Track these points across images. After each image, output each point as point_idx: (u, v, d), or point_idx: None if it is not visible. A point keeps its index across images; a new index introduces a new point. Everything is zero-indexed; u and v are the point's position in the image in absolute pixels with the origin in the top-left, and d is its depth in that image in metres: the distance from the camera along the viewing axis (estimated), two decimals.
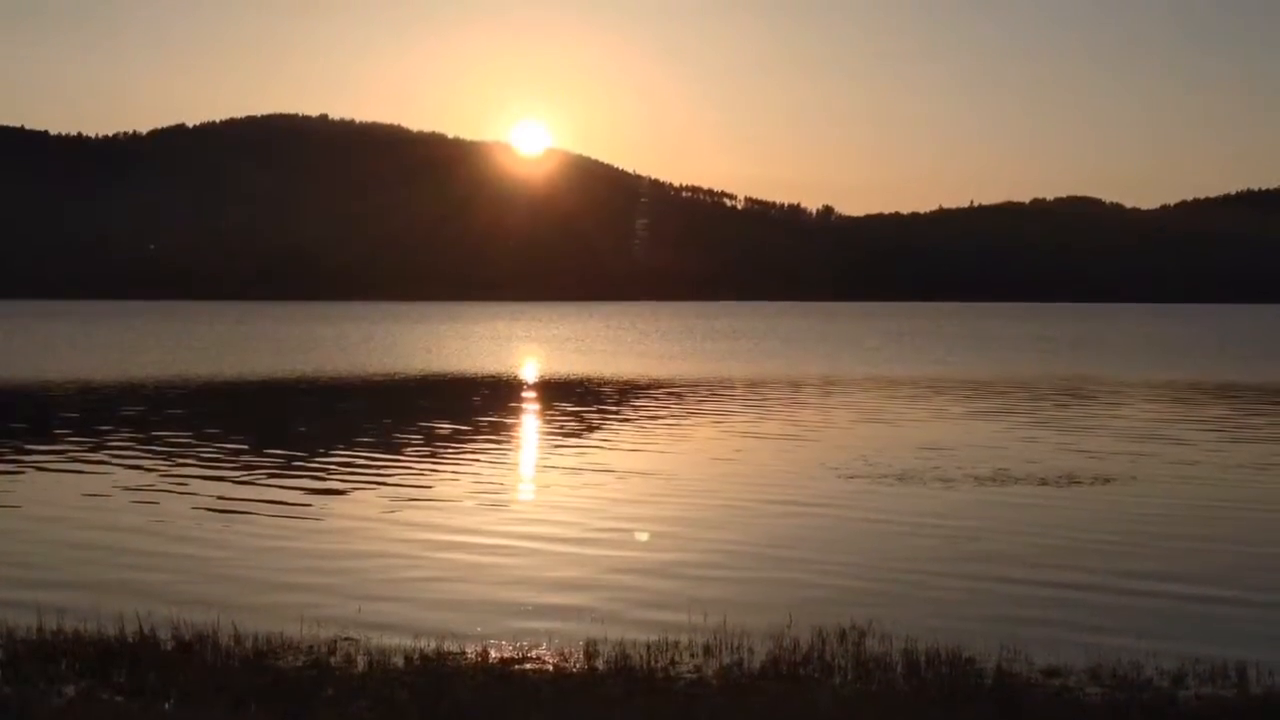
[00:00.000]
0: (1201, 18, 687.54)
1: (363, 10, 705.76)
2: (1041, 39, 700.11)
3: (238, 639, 14.25)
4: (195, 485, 27.16)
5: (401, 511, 24.02)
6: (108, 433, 37.25)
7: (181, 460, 31.26)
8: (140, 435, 36.59)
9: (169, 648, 13.98)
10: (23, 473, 29.37)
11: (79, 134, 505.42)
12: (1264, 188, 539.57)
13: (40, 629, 14.58)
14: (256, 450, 33.67)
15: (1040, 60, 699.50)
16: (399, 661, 13.58)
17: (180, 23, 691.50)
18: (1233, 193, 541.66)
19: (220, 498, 25.54)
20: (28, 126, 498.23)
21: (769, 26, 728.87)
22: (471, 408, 48.64)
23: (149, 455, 32.13)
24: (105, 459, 31.41)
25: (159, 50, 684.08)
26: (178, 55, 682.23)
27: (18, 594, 17.01)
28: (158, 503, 24.88)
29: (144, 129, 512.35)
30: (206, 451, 33.10)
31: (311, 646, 14.16)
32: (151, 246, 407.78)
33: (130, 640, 14.07)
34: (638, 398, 51.65)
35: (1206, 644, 14.64)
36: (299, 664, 13.56)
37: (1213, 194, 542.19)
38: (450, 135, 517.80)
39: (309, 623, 15.17)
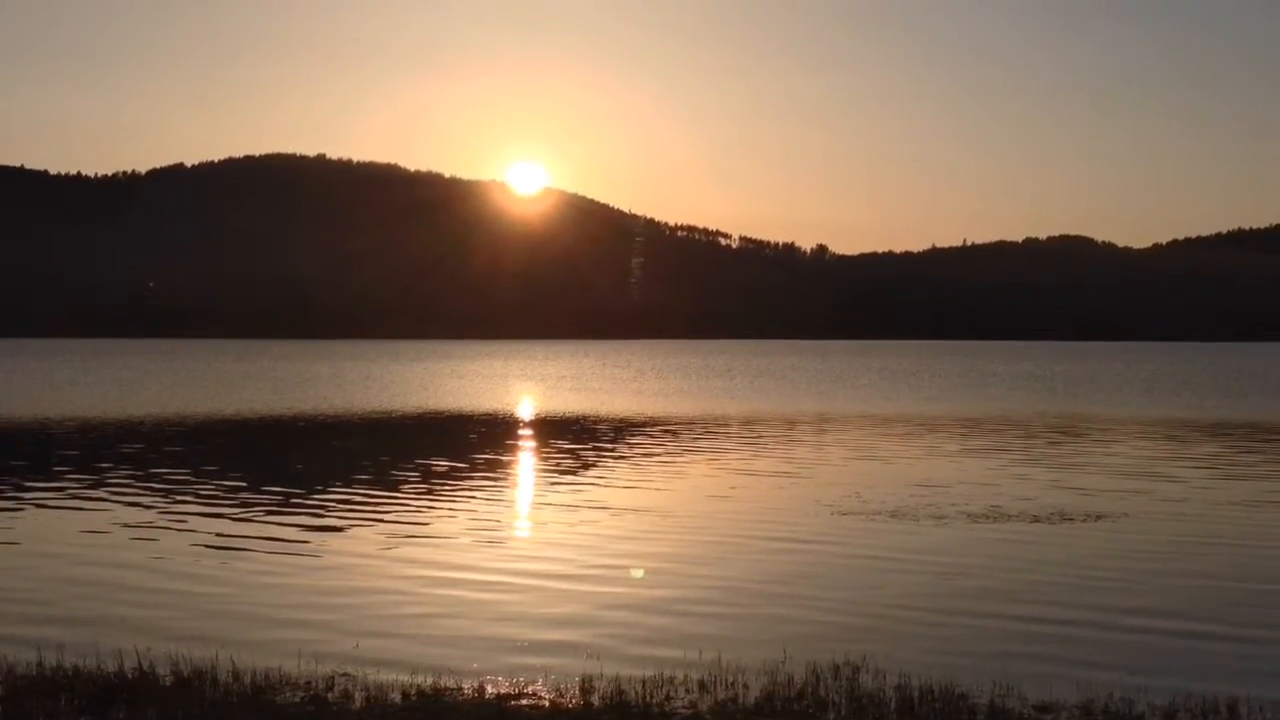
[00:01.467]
0: (1193, 58, 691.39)
1: (359, 51, 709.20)
2: (1034, 79, 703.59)
3: (236, 675, 14.27)
4: (194, 522, 27.17)
5: (398, 548, 24.00)
6: (107, 470, 37.23)
7: (180, 497, 31.28)
8: (139, 472, 36.58)
9: (168, 683, 13.98)
10: (23, 509, 29.38)
11: (78, 173, 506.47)
12: (1255, 227, 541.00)
13: (40, 665, 14.60)
14: (254, 487, 33.61)
15: (1033, 100, 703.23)
16: (396, 697, 13.59)
17: (179, 63, 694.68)
18: (1224, 231, 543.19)
19: (218, 534, 25.53)
20: (27, 166, 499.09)
21: (764, 67, 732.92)
22: (468, 445, 48.64)
23: (148, 492, 32.13)
24: (104, 496, 31.39)
25: (158, 90, 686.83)
26: (176, 95, 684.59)
27: (18, 630, 17.03)
28: (156, 539, 24.87)
29: (143, 168, 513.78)
30: (205, 489, 33.10)
31: (309, 682, 14.17)
32: (150, 285, 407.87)
33: (130, 676, 14.07)
34: (633, 435, 51.66)
35: (1198, 680, 14.67)
36: (297, 700, 13.56)
37: (1205, 233, 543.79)
38: (447, 174, 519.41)
39: (307, 659, 15.19)
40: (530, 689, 14.20)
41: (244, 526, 26.77)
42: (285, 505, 30.17)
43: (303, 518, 28.02)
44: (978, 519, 27.60)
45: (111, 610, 18.43)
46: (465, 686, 14.12)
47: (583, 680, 14.30)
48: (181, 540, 24.76)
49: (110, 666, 14.48)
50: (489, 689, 14.09)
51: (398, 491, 32.71)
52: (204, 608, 18.67)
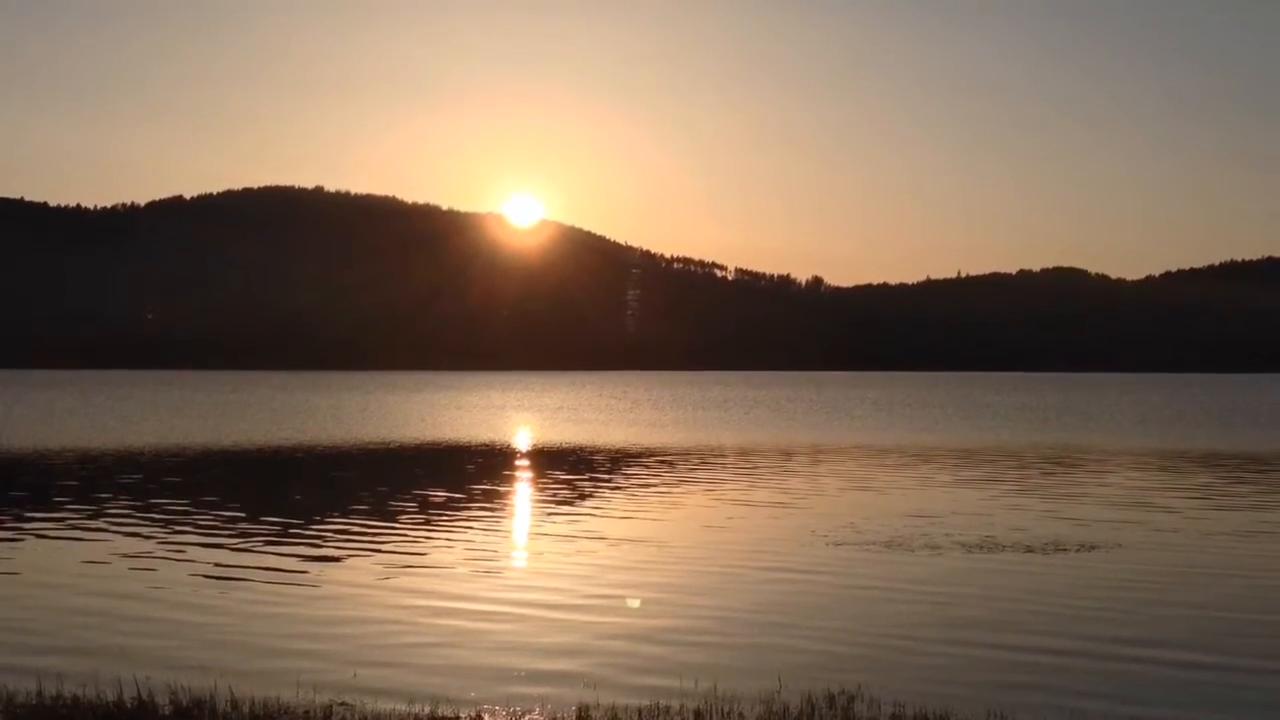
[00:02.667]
0: (1185, 90, 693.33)
1: (357, 84, 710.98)
2: (1026, 111, 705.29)
3: (235, 704, 14.28)
4: (192, 552, 27.20)
5: (396, 578, 24.04)
6: (106, 500, 37.22)
7: (178, 527, 31.29)
8: (138, 503, 36.58)
9: (167, 712, 13.99)
10: (23, 540, 29.34)
11: (78, 205, 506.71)
12: (1247, 259, 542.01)
13: (40, 694, 14.62)
14: (252, 518, 33.61)
15: (1026, 132, 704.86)
16: None
17: (177, 96, 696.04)
18: (1216, 264, 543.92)
19: (217, 564, 25.55)
20: (27, 198, 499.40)
21: (760, 100, 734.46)
22: (465, 476, 48.64)
23: (147, 522, 32.14)
24: (104, 526, 31.42)
25: (157, 123, 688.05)
26: (175, 128, 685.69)
27: (18, 660, 17.06)
28: (155, 569, 24.88)
29: (142, 200, 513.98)
30: (203, 519, 33.09)
31: (307, 712, 14.17)
32: (149, 316, 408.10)
33: (129, 705, 14.08)
34: (630, 465, 51.66)
35: (1190, 710, 14.72)
36: None
37: (1198, 265, 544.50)
38: (444, 207, 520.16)
39: (305, 688, 15.19)
40: (527, 718, 14.23)
41: (242, 556, 26.80)
42: (283, 535, 30.19)
43: (301, 547, 28.05)
44: (971, 549, 27.62)
45: (111, 640, 18.44)
46: (463, 716, 14.16)
47: (579, 710, 14.36)
48: (180, 570, 24.79)
49: (110, 696, 14.49)
50: (486, 718, 14.13)
51: (395, 522, 32.74)
52: (203, 637, 18.67)
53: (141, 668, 16.28)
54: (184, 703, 14.31)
